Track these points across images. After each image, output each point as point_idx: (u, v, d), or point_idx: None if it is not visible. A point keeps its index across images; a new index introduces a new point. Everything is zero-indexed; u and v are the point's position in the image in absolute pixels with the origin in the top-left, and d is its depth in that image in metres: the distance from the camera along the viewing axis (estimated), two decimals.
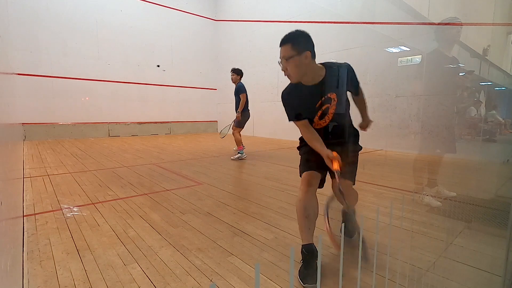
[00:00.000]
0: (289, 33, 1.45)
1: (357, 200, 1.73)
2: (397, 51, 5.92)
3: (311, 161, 1.61)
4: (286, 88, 1.58)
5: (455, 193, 2.68)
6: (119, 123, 9.00)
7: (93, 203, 2.51)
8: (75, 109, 8.11)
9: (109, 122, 8.80)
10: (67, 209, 2.35)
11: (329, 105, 1.51)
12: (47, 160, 4.60)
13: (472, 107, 3.42)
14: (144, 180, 3.37)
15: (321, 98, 1.50)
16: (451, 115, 2.64)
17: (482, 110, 3.47)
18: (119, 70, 8.84)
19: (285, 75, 1.51)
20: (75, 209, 2.37)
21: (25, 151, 5.55)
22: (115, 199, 2.64)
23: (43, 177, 3.47)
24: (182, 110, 10.48)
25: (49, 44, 7.57)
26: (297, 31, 1.45)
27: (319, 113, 1.53)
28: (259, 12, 9.15)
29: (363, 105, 1.74)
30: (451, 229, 2.00)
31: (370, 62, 6.27)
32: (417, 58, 5.46)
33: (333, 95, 1.50)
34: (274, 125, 8.87)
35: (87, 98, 8.28)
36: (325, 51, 7.24)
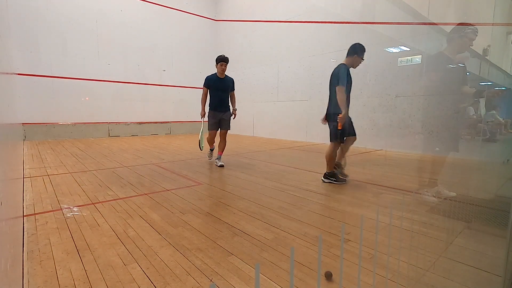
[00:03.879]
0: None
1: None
2: (397, 51, 5.91)
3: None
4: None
5: (455, 193, 2.68)
6: (119, 123, 9.00)
7: (93, 203, 2.51)
8: (75, 109, 8.10)
9: (109, 122, 8.79)
10: (67, 209, 2.35)
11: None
12: (47, 160, 4.60)
13: (471, 107, 3.42)
14: (144, 180, 3.37)
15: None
16: (452, 115, 2.64)
17: (482, 110, 3.47)
18: (119, 70, 8.83)
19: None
20: (75, 209, 2.37)
21: (25, 151, 5.55)
22: (115, 199, 2.64)
23: (43, 177, 3.47)
24: (182, 110, 10.47)
25: (49, 44, 7.57)
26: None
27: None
28: (259, 12, 9.15)
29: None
30: (451, 229, 2.00)
31: (370, 62, 6.26)
32: (417, 58, 5.46)
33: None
34: (274, 125, 8.88)
35: (87, 98, 8.29)
36: (325, 51, 7.24)
